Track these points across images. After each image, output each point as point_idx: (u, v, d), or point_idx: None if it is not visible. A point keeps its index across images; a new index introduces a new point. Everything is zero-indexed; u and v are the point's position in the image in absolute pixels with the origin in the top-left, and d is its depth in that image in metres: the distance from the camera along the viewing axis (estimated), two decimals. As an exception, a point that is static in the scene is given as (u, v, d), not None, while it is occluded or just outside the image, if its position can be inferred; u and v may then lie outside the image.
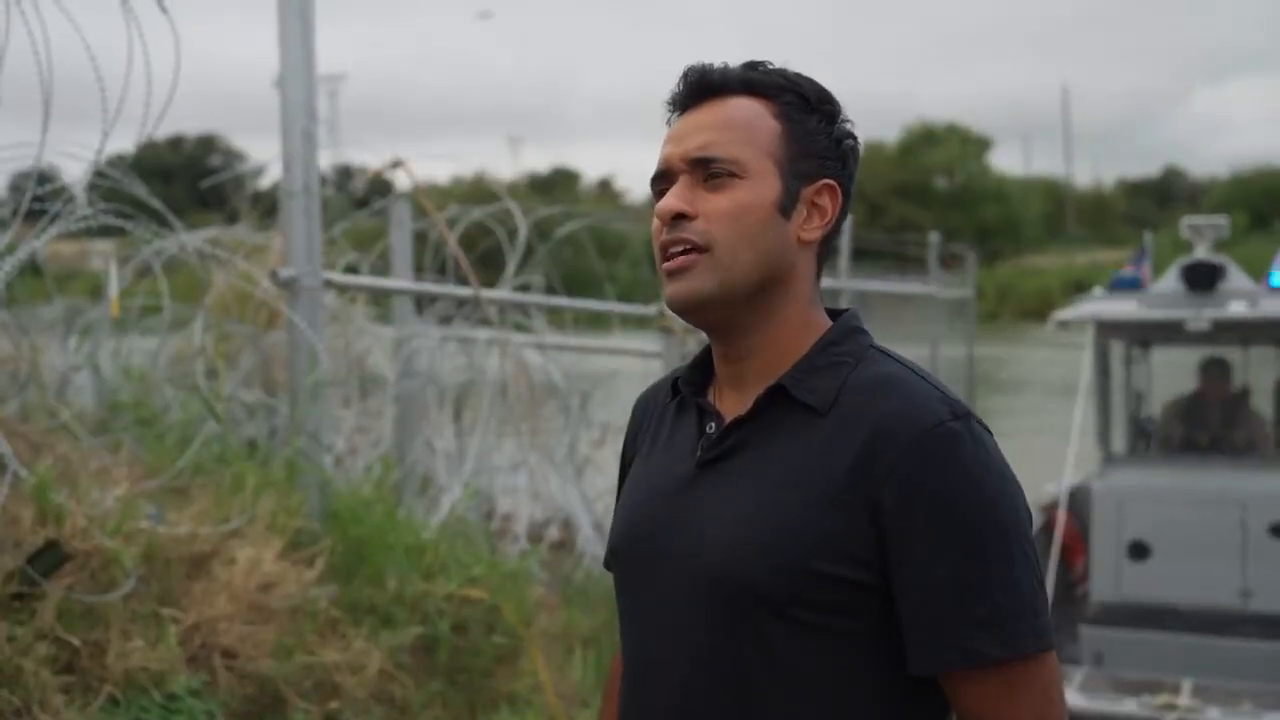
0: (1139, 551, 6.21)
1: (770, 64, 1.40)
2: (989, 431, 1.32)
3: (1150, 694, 5.19)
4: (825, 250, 1.42)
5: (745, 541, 1.31)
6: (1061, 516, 6.52)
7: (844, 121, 1.40)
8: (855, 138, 1.42)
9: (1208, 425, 6.76)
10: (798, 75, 1.40)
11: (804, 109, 1.37)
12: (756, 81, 1.37)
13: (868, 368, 1.35)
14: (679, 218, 1.34)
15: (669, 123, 1.41)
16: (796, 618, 1.29)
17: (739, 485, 1.35)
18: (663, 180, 1.38)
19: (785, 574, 1.28)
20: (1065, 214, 58.22)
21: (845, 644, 1.30)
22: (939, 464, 1.26)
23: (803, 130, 1.37)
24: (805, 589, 1.28)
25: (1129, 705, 5.11)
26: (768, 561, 1.29)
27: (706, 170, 1.34)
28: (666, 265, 1.36)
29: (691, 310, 1.36)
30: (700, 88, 1.38)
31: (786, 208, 1.35)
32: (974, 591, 1.24)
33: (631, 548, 1.45)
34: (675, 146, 1.37)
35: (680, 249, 1.34)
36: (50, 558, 2.82)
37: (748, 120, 1.35)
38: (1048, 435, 7.46)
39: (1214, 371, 6.87)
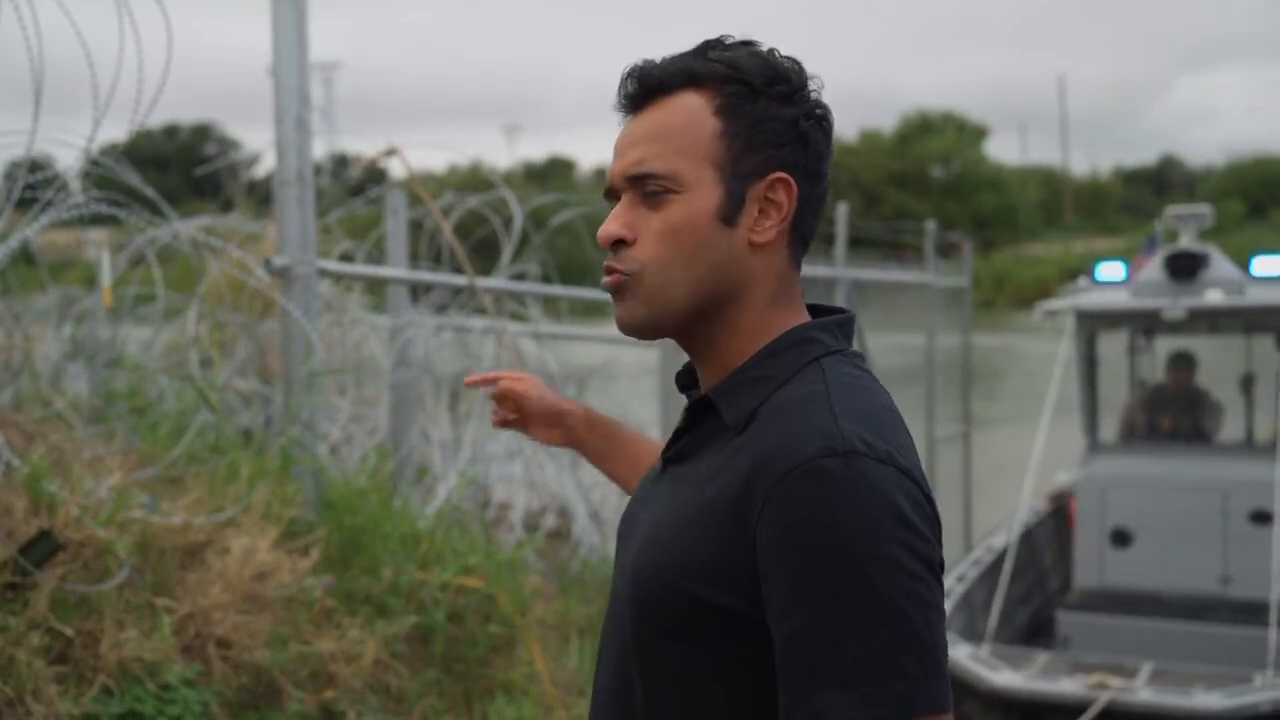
0: (1121, 539, 6.24)
1: (730, 39, 1.31)
2: (906, 474, 1.16)
3: (1086, 674, 5.18)
4: (796, 242, 1.31)
5: (649, 557, 1.26)
6: (1056, 506, 6.54)
7: (806, 95, 1.29)
8: (821, 109, 1.30)
9: (1167, 416, 6.81)
10: (748, 56, 1.28)
11: (749, 97, 1.26)
12: (699, 73, 1.27)
13: (794, 386, 1.24)
14: (618, 243, 1.30)
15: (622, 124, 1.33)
16: (687, 643, 1.21)
17: (672, 495, 1.30)
18: (611, 196, 1.33)
19: (670, 595, 1.21)
20: (1062, 202, 58.27)
21: (741, 678, 1.20)
22: (801, 503, 1.13)
23: (747, 123, 1.26)
24: (690, 613, 1.20)
25: (1063, 684, 5.10)
26: (658, 581, 1.23)
27: (644, 188, 1.28)
28: (604, 284, 1.31)
29: (633, 334, 1.32)
30: (641, 89, 1.30)
31: (730, 215, 1.27)
32: (828, 645, 1.10)
33: (617, 546, 1.43)
34: (616, 161, 1.31)
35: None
36: (43, 547, 2.81)
37: (685, 124, 1.27)
38: (1039, 426, 7.46)
39: (1179, 364, 6.90)
